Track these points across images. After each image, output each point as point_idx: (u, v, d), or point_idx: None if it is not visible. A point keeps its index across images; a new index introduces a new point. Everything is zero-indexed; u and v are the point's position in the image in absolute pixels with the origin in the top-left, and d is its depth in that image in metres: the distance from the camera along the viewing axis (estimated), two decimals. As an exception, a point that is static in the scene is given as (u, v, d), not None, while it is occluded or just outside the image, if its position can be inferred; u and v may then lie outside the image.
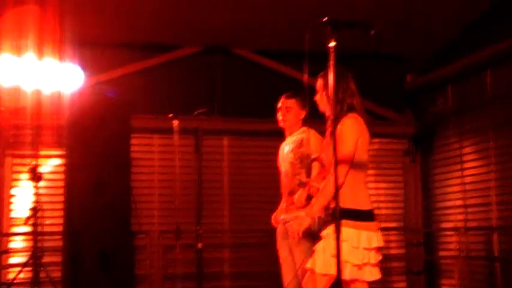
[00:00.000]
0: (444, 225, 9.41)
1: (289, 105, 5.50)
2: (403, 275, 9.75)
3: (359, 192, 4.10)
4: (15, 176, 8.47)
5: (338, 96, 4.06)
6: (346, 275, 3.96)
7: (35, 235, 7.22)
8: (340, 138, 3.98)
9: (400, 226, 9.88)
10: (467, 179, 8.86)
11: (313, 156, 5.29)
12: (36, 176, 7.35)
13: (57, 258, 7.64)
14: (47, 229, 7.77)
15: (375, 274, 4.13)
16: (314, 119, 5.09)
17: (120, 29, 8.46)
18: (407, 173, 9.99)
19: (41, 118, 7.72)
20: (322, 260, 4.03)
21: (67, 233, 7.17)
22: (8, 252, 8.29)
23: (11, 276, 7.94)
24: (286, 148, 5.55)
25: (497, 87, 8.31)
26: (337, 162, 3.48)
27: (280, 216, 5.51)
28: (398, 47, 9.31)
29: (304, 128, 5.46)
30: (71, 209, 7.09)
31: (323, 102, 4.29)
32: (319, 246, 4.13)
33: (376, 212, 4.25)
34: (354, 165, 4.06)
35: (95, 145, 7.04)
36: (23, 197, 8.28)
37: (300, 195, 4.46)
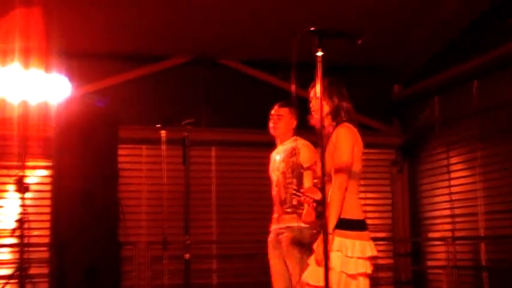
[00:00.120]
0: (432, 235, 9.43)
1: (281, 114, 5.53)
2: (391, 285, 9.75)
3: (352, 201, 4.09)
4: (1, 187, 8.41)
5: (334, 102, 4.14)
6: (342, 285, 3.95)
7: (22, 247, 7.17)
8: (336, 148, 4.02)
9: (388, 236, 9.89)
10: (455, 189, 8.89)
11: (305, 166, 5.30)
12: (22, 187, 7.30)
13: (43, 270, 7.57)
14: (33, 241, 7.70)
15: (366, 285, 4.12)
16: (305, 130, 5.10)
17: (107, 40, 8.44)
18: (394, 183, 10.02)
19: (27, 129, 7.66)
20: (316, 272, 4.01)
21: (54, 245, 7.11)
22: (-6, 264, 8.23)
23: (-3, 288, 7.88)
24: (277, 157, 5.55)
25: (484, 97, 8.35)
26: (334, 171, 3.47)
27: (271, 227, 5.50)
28: (386, 58, 9.34)
29: (295, 137, 5.45)
30: (58, 221, 7.04)
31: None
32: (311, 260, 4.12)
33: (365, 221, 4.25)
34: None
35: (82, 156, 7.00)
36: (9, 208, 8.22)
37: (308, 212, 4.39)
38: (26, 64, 7.30)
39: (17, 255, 7.50)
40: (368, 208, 9.68)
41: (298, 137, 5.39)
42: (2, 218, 8.33)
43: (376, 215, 9.80)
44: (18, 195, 7.34)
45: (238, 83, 9.39)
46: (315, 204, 4.23)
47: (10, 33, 7.41)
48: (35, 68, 7.34)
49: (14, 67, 7.25)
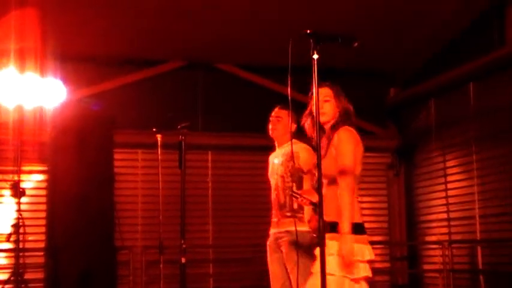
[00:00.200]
0: (428, 238, 9.42)
1: (281, 116, 5.53)
2: (387, 289, 9.75)
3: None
4: (-4, 192, 8.39)
5: (344, 105, 4.20)
6: None
7: (17, 251, 7.12)
8: (339, 151, 4.06)
9: (384, 240, 9.88)
10: (451, 192, 8.89)
11: (305, 170, 5.27)
12: (18, 192, 7.27)
13: (39, 275, 7.55)
14: (29, 245, 7.68)
15: None
16: (303, 134, 5.07)
17: (103, 44, 8.43)
18: (391, 187, 10.01)
19: (22, 133, 7.64)
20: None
21: (49, 249, 7.09)
22: (-11, 269, 8.20)
23: (-8, 293, 7.85)
24: (275, 161, 5.53)
25: (480, 100, 8.36)
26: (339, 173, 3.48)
27: (271, 231, 5.49)
28: (381, 62, 9.35)
29: (294, 140, 5.40)
30: (53, 225, 7.02)
31: (331, 111, 4.25)
32: (315, 268, 4.07)
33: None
34: None
35: (78, 160, 7.00)
36: (4, 213, 8.19)
37: (312, 217, 4.36)
38: (21, 68, 7.27)
39: (12, 260, 7.46)
40: (364, 212, 9.53)
41: (297, 140, 5.36)
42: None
43: (372, 218, 9.78)
44: (14, 200, 7.31)
45: (234, 87, 9.39)
46: (312, 207, 4.23)
47: (5, 37, 7.39)
48: (30, 72, 7.32)
49: (9, 71, 7.22)
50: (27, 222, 7.41)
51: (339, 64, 8.06)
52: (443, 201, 9.02)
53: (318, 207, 3.47)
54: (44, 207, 7.59)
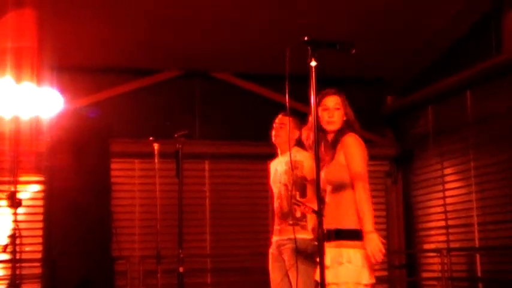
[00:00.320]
0: (426, 246, 9.39)
1: (284, 122, 5.48)
2: (386, 297, 9.72)
3: (355, 212, 4.04)
4: (-7, 202, 8.36)
5: (350, 112, 4.21)
6: None
7: (14, 262, 7.10)
8: (351, 157, 4.08)
9: (383, 248, 9.84)
10: (449, 200, 8.87)
11: (309, 178, 5.22)
12: (15, 202, 7.24)
13: (36, 286, 7.52)
14: (25, 256, 7.65)
15: None
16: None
17: (99, 54, 8.42)
18: (389, 195, 10.00)
19: (19, 144, 7.61)
20: None
21: (46, 260, 7.06)
22: (-15, 280, 8.15)
23: (-11, 304, 7.81)
24: (278, 168, 5.49)
25: (478, 107, 8.36)
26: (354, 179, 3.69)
27: (273, 238, 5.47)
28: (379, 69, 9.35)
29: (297, 148, 5.37)
30: (50, 236, 7.00)
31: (340, 120, 4.22)
32: (317, 275, 4.02)
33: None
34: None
35: (75, 170, 6.98)
36: (1, 224, 8.15)
37: (315, 225, 4.33)
38: (18, 78, 7.26)
39: (9, 271, 7.43)
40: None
41: (300, 148, 5.32)
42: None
43: (370, 226, 9.74)
44: (11, 210, 7.28)
45: (230, 96, 9.39)
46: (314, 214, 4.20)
47: (1, 46, 7.38)
48: (27, 82, 7.30)
49: (6, 81, 7.20)
50: (23, 233, 7.37)
51: (337, 72, 8.05)
52: (442, 208, 9.00)
53: (319, 215, 3.44)
54: (40, 217, 7.56)
